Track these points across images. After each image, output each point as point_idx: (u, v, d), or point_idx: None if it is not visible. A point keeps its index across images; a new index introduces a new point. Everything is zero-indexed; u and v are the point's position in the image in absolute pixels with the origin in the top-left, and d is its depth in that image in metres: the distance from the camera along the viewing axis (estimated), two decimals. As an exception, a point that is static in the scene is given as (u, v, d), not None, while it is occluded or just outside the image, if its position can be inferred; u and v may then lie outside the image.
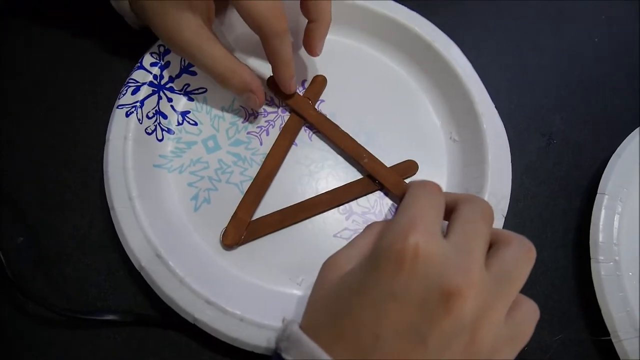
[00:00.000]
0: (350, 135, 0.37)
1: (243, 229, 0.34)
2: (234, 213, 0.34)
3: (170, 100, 0.37)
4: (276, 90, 0.38)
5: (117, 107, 0.35)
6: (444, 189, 0.37)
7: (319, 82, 0.39)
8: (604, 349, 0.34)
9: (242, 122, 0.38)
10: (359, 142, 0.37)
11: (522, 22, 0.46)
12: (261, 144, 0.37)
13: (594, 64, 0.44)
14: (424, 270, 0.24)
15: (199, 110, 0.38)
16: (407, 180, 0.36)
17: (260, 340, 0.30)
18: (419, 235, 0.24)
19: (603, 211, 0.36)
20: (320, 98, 0.39)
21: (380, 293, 0.24)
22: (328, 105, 0.39)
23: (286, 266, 0.34)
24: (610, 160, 0.38)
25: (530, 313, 0.26)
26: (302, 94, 0.39)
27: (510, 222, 0.37)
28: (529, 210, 0.38)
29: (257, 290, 0.33)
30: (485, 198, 0.34)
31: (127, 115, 0.35)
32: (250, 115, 0.38)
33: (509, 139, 0.38)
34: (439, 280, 0.23)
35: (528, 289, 0.30)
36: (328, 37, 0.37)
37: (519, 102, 0.42)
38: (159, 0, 0.33)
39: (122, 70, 0.38)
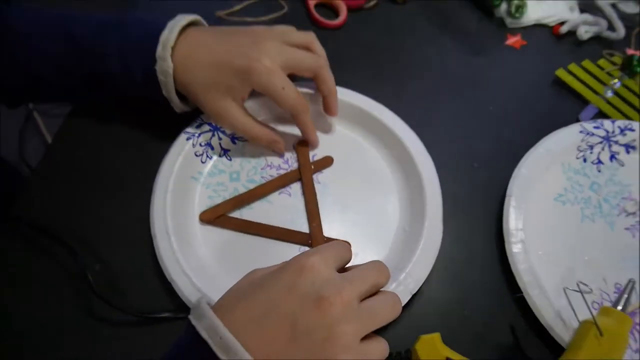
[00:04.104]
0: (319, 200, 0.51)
1: (216, 215, 0.49)
2: (217, 204, 0.50)
3: (220, 138, 0.53)
4: (299, 150, 0.53)
5: (183, 132, 0.52)
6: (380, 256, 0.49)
7: (326, 160, 0.54)
8: (520, 304, 0.47)
9: (261, 169, 0.53)
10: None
11: (443, 91, 0.62)
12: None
13: (498, 112, 0.61)
14: (313, 279, 0.34)
15: (236, 152, 0.54)
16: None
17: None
18: (317, 258, 0.35)
19: (510, 208, 0.50)
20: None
21: (279, 284, 0.34)
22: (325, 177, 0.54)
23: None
24: (513, 172, 0.53)
25: (380, 349, 0.36)
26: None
27: (449, 220, 0.50)
28: (462, 212, 0.53)
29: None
30: (402, 276, 0.46)
31: (187, 139, 0.52)
32: (268, 166, 0.53)
33: (445, 166, 0.53)
34: (320, 289, 0.33)
35: (470, 266, 0.50)
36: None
37: (450, 138, 0.58)
38: (210, 93, 0.48)
39: (169, 137, 0.53)
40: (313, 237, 0.49)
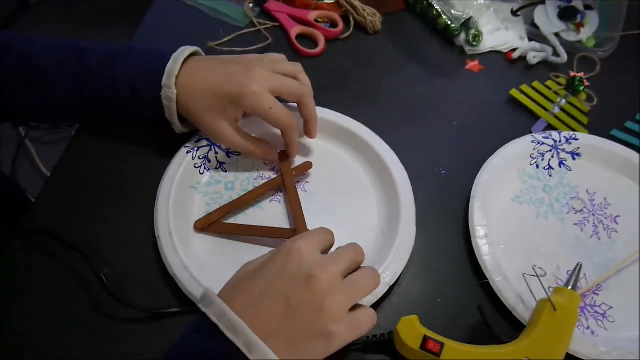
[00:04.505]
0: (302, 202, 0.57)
1: (210, 223, 0.54)
2: (209, 213, 0.55)
3: (216, 153, 0.59)
4: (281, 160, 0.59)
5: (183, 147, 0.58)
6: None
7: (305, 165, 0.59)
8: (486, 290, 0.54)
9: (253, 180, 0.59)
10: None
11: (412, 109, 0.70)
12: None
13: (461, 127, 0.68)
14: (300, 261, 0.39)
15: (231, 164, 0.60)
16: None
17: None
18: (302, 243, 0.40)
19: (475, 208, 0.57)
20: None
21: (271, 270, 0.39)
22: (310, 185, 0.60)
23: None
24: (476, 178, 0.60)
25: (368, 315, 0.41)
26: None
27: (422, 221, 0.56)
28: (433, 213, 0.59)
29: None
30: (381, 270, 0.52)
31: (187, 152, 0.58)
32: (260, 177, 0.59)
33: (417, 175, 0.59)
34: (308, 268, 0.38)
35: (441, 259, 0.56)
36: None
37: (420, 150, 0.64)
38: (207, 115, 0.54)
39: (170, 152, 0.59)
40: (298, 231, 0.54)
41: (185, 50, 0.55)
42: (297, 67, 0.58)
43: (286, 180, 0.58)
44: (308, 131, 0.60)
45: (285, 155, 0.59)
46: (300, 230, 0.54)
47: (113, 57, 0.54)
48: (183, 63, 0.54)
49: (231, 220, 0.56)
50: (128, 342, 0.49)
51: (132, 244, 0.54)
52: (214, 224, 0.55)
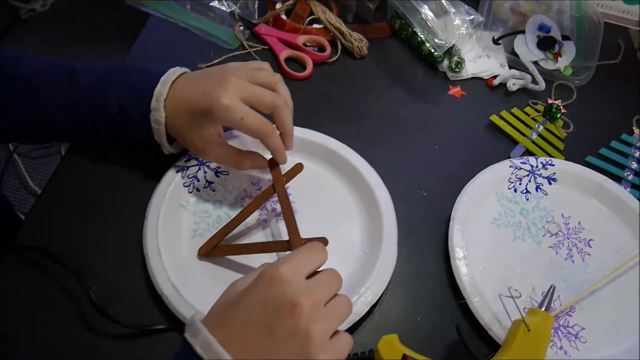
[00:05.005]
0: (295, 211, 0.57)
1: (212, 247, 0.55)
2: (210, 238, 0.56)
3: (205, 172, 0.61)
4: (271, 168, 0.58)
5: (172, 166, 0.59)
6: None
7: (296, 167, 0.57)
8: (464, 310, 0.55)
9: (241, 199, 0.61)
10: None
11: (396, 132, 0.72)
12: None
13: (443, 151, 0.71)
14: (283, 289, 0.37)
15: (219, 183, 0.62)
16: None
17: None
18: (286, 268, 0.38)
19: (454, 230, 0.59)
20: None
21: (253, 299, 0.37)
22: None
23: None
24: (456, 200, 0.62)
25: (347, 340, 0.41)
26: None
27: (403, 241, 0.58)
28: (414, 234, 0.61)
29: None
30: (363, 289, 0.53)
31: (177, 172, 0.59)
32: (247, 196, 0.61)
33: (399, 196, 0.61)
34: (291, 296, 0.37)
35: (421, 279, 0.58)
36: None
37: (403, 172, 0.66)
38: (190, 133, 0.54)
39: (160, 172, 0.60)
40: (292, 242, 0.54)
41: (173, 73, 0.55)
42: (275, 78, 0.56)
43: (277, 187, 0.57)
44: (284, 144, 0.57)
45: (274, 163, 0.58)
46: (294, 239, 0.54)
47: (104, 77, 0.55)
48: (171, 84, 0.54)
49: (228, 238, 0.58)
50: (114, 358, 0.50)
51: (122, 261, 0.55)
52: (215, 249, 0.56)
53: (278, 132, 0.56)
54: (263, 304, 0.37)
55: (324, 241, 0.52)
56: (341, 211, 0.62)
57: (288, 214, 0.55)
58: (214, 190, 0.61)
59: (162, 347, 0.51)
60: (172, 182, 0.58)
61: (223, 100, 0.51)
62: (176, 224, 0.58)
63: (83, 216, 0.58)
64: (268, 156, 0.58)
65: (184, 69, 0.58)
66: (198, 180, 0.61)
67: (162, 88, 0.54)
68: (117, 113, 0.55)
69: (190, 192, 0.60)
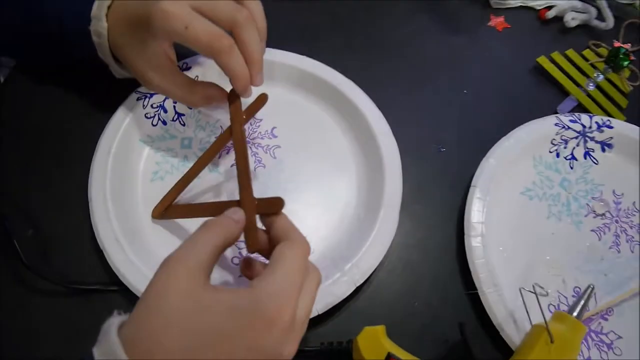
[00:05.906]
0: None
1: (165, 208, 0.45)
2: (163, 197, 0.45)
3: (175, 102, 0.50)
4: (230, 101, 0.45)
5: (134, 92, 0.48)
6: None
7: (260, 99, 0.45)
8: (473, 301, 0.46)
9: (215, 137, 0.50)
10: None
11: (416, 70, 0.59)
12: (220, 156, 0.49)
13: (472, 97, 0.58)
14: (280, 335, 0.30)
15: (191, 116, 0.51)
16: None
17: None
18: (291, 307, 0.31)
19: (474, 199, 0.48)
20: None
21: (239, 345, 0.29)
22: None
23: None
24: (481, 162, 0.50)
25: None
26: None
27: (407, 207, 0.48)
28: (423, 199, 0.50)
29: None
30: (349, 265, 0.43)
31: (138, 99, 0.48)
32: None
33: (410, 150, 0.50)
34: (283, 345, 0.31)
35: (424, 257, 0.48)
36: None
37: (419, 120, 0.55)
38: (128, 50, 0.43)
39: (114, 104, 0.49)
40: (242, 202, 0.40)
41: None
42: None
43: (233, 126, 0.44)
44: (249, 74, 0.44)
45: (235, 96, 0.45)
46: (245, 199, 0.40)
47: None
48: None
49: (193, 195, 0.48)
50: (43, 315, 0.43)
51: (65, 206, 0.47)
52: (169, 209, 0.46)
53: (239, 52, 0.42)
54: (252, 351, 0.30)
55: (279, 203, 0.38)
56: (335, 161, 0.50)
57: (242, 163, 0.42)
58: (183, 125, 0.50)
59: (100, 308, 0.43)
60: (130, 112, 0.48)
61: (163, 6, 0.39)
62: (132, 164, 0.48)
63: (24, 151, 0.49)
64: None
65: None
66: (165, 111, 0.50)
67: None
68: (56, 27, 0.45)
69: (154, 125, 0.49)
